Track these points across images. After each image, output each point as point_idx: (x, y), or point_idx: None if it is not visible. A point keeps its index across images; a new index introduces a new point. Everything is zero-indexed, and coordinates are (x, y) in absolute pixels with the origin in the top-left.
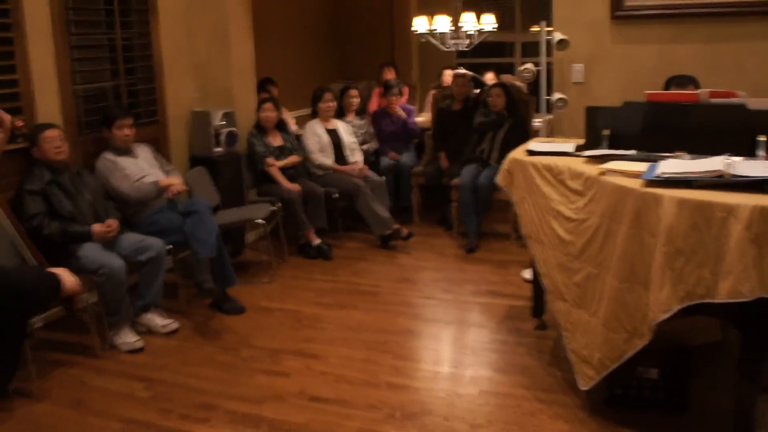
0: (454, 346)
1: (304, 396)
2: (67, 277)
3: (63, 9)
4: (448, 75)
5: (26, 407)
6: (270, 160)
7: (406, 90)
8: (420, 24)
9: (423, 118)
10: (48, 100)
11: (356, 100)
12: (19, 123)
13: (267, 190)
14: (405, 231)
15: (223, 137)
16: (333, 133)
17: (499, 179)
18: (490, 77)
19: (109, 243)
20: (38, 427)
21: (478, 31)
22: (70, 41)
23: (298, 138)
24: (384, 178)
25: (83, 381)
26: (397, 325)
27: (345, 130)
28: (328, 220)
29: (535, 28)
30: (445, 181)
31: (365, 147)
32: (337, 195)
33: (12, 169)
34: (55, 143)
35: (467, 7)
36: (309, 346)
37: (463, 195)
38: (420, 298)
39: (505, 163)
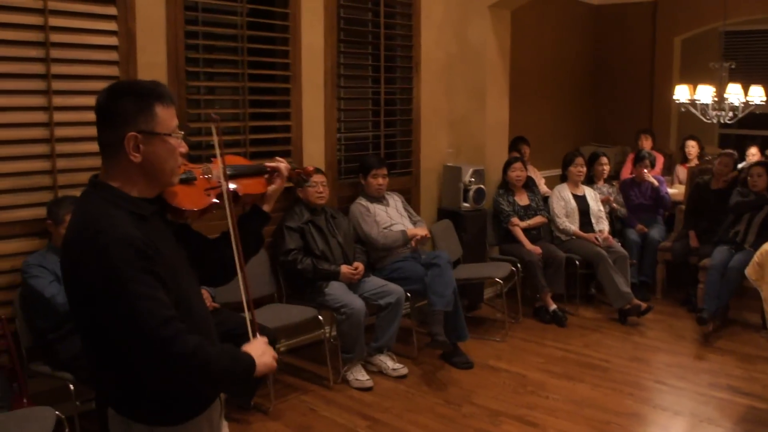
0: None
1: None
2: (261, 359)
3: (336, 64)
4: (690, 146)
5: (261, 424)
6: (515, 219)
7: (660, 160)
8: (681, 93)
9: (675, 191)
10: (314, 145)
11: (606, 168)
12: (310, 168)
13: (509, 249)
14: (644, 305)
15: (471, 193)
16: (580, 199)
17: (749, 271)
18: (753, 152)
19: (353, 284)
20: None
21: (744, 103)
22: (338, 93)
23: (546, 199)
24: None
25: (313, 408)
26: (623, 406)
27: (593, 197)
28: (566, 286)
29: None
30: (693, 260)
31: (615, 206)
32: (578, 262)
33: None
34: (318, 188)
35: (734, 77)
36: (530, 413)
37: (711, 277)
38: (651, 381)
39: (757, 256)
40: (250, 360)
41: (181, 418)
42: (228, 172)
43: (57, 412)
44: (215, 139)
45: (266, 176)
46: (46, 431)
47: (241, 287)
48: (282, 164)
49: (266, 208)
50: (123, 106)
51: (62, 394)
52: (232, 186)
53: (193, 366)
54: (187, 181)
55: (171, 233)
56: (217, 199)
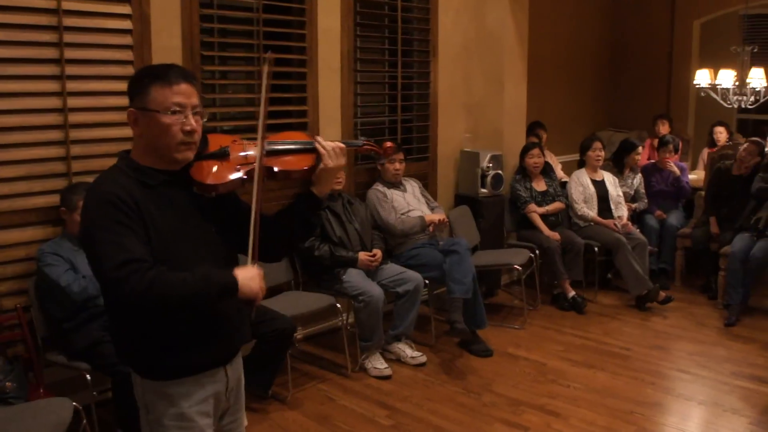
0: (705, 431)
1: None
2: (247, 282)
3: (353, 48)
4: (719, 132)
5: (280, 413)
6: (532, 206)
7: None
8: (702, 77)
9: (695, 176)
10: (331, 129)
11: (639, 158)
12: (388, 144)
13: (526, 236)
14: (663, 294)
15: (489, 179)
16: (599, 185)
17: None
18: None
19: (371, 271)
20: None
21: (767, 87)
22: (355, 77)
23: (563, 185)
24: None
25: (331, 397)
26: (644, 395)
27: (612, 182)
28: (584, 273)
29: None
30: (713, 247)
31: (634, 205)
32: (597, 248)
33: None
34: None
35: (757, 61)
36: (551, 402)
37: (732, 264)
38: (673, 369)
39: None
40: (229, 280)
41: (163, 375)
42: (271, 148)
43: (74, 403)
44: (264, 81)
45: (315, 153)
46: (63, 422)
47: (253, 209)
48: (329, 144)
49: (316, 190)
50: (130, 85)
51: (78, 384)
52: (271, 164)
53: (150, 299)
54: (220, 156)
55: (191, 205)
56: (246, 175)
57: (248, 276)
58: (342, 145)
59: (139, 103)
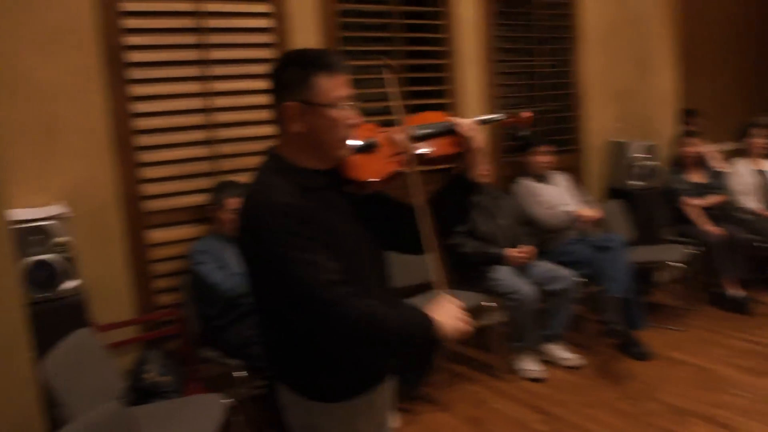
0: None
1: None
2: (448, 322)
3: (493, 37)
4: None
5: (431, 414)
6: (690, 199)
7: None
8: None
9: None
10: None
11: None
12: (526, 114)
13: (684, 231)
14: None
15: (642, 170)
16: (762, 174)
17: None
18: None
19: (522, 269)
20: None
21: None
22: (496, 68)
23: (722, 176)
24: None
25: (483, 399)
26: None
27: None
28: (750, 271)
29: None
30: None
31: None
32: (763, 244)
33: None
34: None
35: None
36: (719, 412)
37: None
38: None
39: None
40: (432, 332)
41: (338, 397)
42: (416, 133)
43: (231, 399)
44: (389, 90)
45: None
46: (215, 417)
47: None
48: (467, 122)
49: (471, 174)
50: (287, 75)
51: (231, 379)
52: (421, 150)
53: (360, 330)
54: (368, 148)
55: (348, 206)
56: (402, 166)
57: (448, 313)
58: (473, 121)
59: (303, 96)
